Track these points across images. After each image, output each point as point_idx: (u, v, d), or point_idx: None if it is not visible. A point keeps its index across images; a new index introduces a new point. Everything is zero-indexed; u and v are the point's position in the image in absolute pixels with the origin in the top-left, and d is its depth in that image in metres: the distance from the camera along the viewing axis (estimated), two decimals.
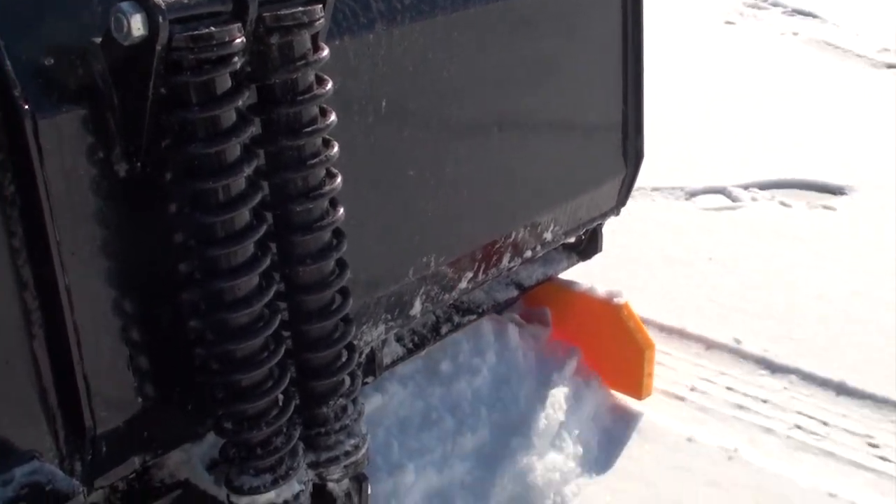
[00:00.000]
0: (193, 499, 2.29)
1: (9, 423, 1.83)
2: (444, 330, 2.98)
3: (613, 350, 3.22)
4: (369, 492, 2.34)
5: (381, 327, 2.58)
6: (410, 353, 2.85)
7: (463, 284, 2.80)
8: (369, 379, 2.67)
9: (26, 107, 1.72)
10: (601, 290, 3.27)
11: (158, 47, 1.74)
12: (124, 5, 1.71)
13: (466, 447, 2.75)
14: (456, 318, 3.03)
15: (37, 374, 1.86)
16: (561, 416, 2.88)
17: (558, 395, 2.97)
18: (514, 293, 3.21)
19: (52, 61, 1.78)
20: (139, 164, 1.89)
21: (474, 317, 3.07)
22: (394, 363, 2.80)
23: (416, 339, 2.90)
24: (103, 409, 1.95)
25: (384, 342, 2.74)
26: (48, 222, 1.79)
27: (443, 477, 2.64)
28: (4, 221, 1.76)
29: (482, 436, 2.78)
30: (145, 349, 2.01)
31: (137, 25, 1.71)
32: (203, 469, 2.33)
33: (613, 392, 3.24)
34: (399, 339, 2.87)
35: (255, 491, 2.06)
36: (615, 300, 3.22)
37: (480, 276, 2.87)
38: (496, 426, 2.81)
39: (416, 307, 2.66)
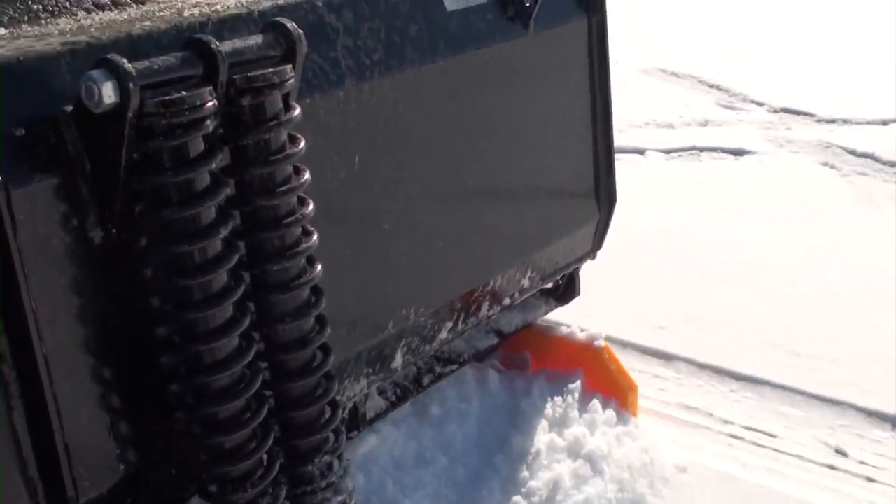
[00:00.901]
0: None
1: None
2: (426, 381, 2.97)
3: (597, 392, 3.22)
4: None
5: (363, 381, 2.57)
6: (393, 405, 2.85)
7: (443, 335, 2.80)
8: (353, 434, 2.66)
9: None
10: (580, 333, 3.28)
11: (130, 114, 1.74)
12: (95, 73, 1.72)
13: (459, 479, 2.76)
14: (437, 369, 3.02)
15: (16, 446, 1.84)
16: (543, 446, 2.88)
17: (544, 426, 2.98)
18: (494, 341, 3.22)
19: (23, 131, 1.78)
20: (114, 230, 1.89)
21: (455, 366, 3.06)
22: (377, 417, 2.79)
23: (398, 391, 2.89)
24: (86, 479, 1.93)
25: (367, 396, 2.73)
26: (24, 292, 1.78)
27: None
28: None
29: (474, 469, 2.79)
30: (126, 415, 2.00)
31: (108, 93, 1.72)
32: None
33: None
34: (381, 392, 2.87)
35: None
36: (595, 343, 3.23)
37: (460, 326, 2.87)
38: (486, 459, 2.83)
39: (398, 360, 2.66)
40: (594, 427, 2.97)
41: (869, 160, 5.64)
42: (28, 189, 1.77)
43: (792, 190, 5.04)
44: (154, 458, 2.08)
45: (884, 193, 5.23)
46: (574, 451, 2.86)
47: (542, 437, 2.88)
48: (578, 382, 3.12)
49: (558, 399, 3.06)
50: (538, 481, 2.74)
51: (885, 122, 6.23)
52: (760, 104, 6.67)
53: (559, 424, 2.97)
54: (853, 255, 4.52)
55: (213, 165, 1.87)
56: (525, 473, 2.76)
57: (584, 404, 3.07)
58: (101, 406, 1.95)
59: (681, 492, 2.86)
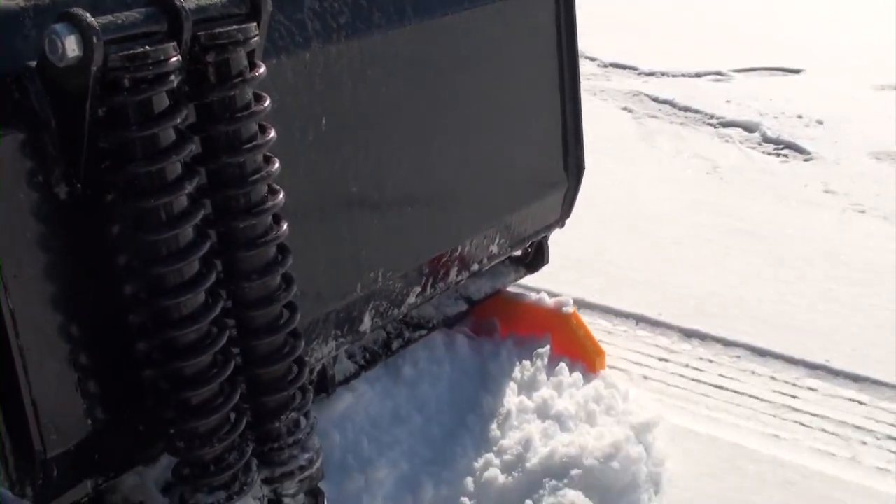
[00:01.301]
0: None
1: None
2: (395, 346, 3.00)
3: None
4: None
5: (332, 343, 2.59)
6: (362, 369, 2.87)
7: (412, 299, 2.83)
8: (322, 395, 2.68)
9: None
10: (549, 299, 3.31)
11: (94, 68, 1.75)
12: (58, 27, 1.73)
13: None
14: (406, 334, 3.05)
15: None
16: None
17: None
18: (464, 307, 3.24)
19: None
20: (79, 185, 1.90)
21: (424, 332, 3.09)
22: (346, 380, 2.81)
23: (367, 355, 2.92)
24: (53, 433, 1.95)
25: (335, 359, 2.76)
26: None
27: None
28: None
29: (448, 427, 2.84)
30: (93, 371, 2.01)
31: (72, 46, 1.73)
32: (157, 492, 2.32)
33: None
34: (350, 356, 2.89)
35: None
36: (564, 309, 3.26)
37: (429, 291, 2.89)
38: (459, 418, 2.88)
39: (366, 323, 2.68)
40: (561, 389, 3.01)
41: (666, 105, 6.50)
42: None
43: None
44: (121, 415, 2.10)
45: (662, 131, 6.06)
46: (543, 412, 2.90)
47: (513, 399, 2.92)
48: (547, 347, 3.15)
49: (527, 363, 3.09)
50: (509, 440, 2.78)
51: (698, 75, 7.08)
52: (592, 59, 7.47)
53: (528, 387, 3.00)
54: (619, 179, 5.20)
55: (178, 121, 1.88)
56: (497, 433, 2.80)
57: (551, 368, 3.10)
58: (67, 361, 1.96)
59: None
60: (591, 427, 2.87)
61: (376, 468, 2.63)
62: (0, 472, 1.90)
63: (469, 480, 2.69)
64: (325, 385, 2.69)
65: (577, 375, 3.08)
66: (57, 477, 2.00)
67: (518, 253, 3.38)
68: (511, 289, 3.41)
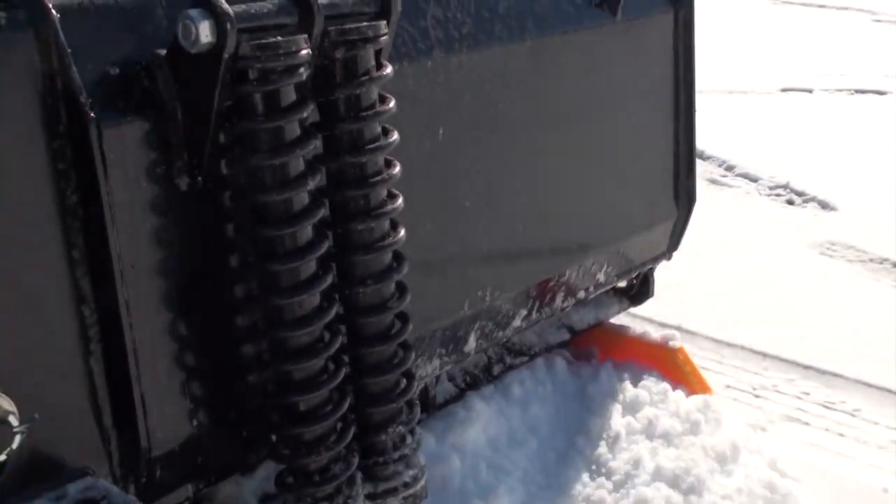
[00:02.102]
0: None
1: (62, 439, 1.77)
2: (496, 370, 2.92)
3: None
4: None
5: (436, 362, 2.52)
6: (462, 392, 2.79)
7: (517, 322, 2.75)
8: (422, 416, 2.60)
9: (92, 114, 1.70)
10: (655, 333, 3.20)
11: (226, 55, 1.72)
12: (193, 12, 1.70)
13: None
14: (508, 360, 2.97)
15: (92, 391, 1.81)
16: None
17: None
18: (566, 336, 3.15)
19: (118, 71, 1.77)
20: (200, 178, 1.87)
21: (526, 358, 3.01)
22: (447, 403, 2.74)
23: (468, 378, 2.84)
24: (159, 431, 1.90)
25: (437, 379, 2.68)
26: (110, 233, 1.76)
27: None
28: (65, 231, 1.74)
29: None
30: (201, 372, 1.96)
31: (206, 32, 1.70)
32: (255, 503, 2.26)
33: None
34: (451, 378, 2.82)
35: None
36: (670, 344, 3.15)
37: (534, 315, 2.81)
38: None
39: (471, 343, 2.60)
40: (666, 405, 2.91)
41: None
42: (119, 129, 1.76)
43: None
44: (225, 419, 2.05)
45: None
46: (649, 432, 2.80)
47: (618, 420, 2.83)
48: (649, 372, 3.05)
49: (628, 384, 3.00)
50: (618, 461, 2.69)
51: None
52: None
53: (632, 408, 2.90)
54: None
55: (305, 115, 1.84)
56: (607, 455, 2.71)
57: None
58: (177, 359, 1.92)
59: None
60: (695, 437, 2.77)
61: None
62: (103, 467, 1.85)
63: None
64: (427, 405, 2.62)
65: (680, 393, 2.97)
66: (160, 477, 1.95)
67: (623, 284, 3.28)
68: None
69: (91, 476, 1.75)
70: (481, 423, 2.64)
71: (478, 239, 2.53)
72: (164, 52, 1.79)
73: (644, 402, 2.91)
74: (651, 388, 2.97)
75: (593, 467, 2.69)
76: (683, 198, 3.25)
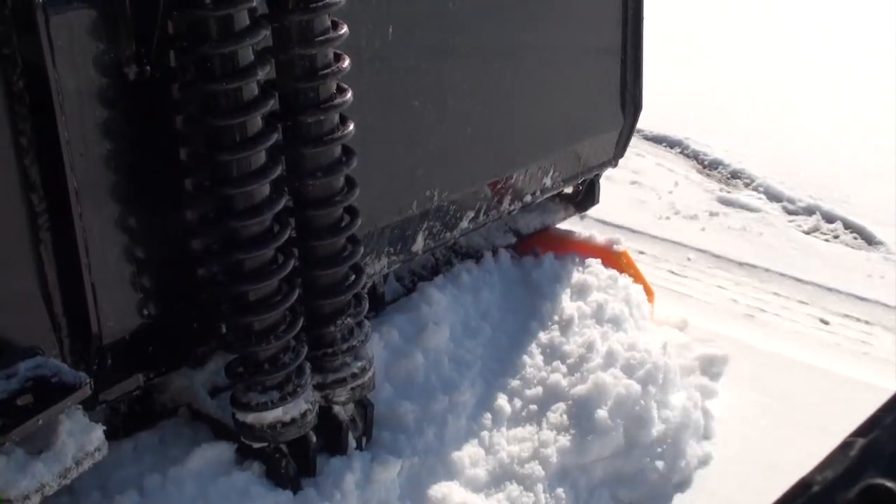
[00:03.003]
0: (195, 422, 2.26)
1: (12, 326, 1.79)
2: (443, 272, 2.95)
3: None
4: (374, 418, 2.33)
5: (385, 260, 2.55)
6: (409, 292, 2.83)
7: (464, 224, 2.78)
8: (371, 313, 2.65)
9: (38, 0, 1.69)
10: (600, 237, 3.26)
11: None
12: None
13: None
14: (454, 262, 3.01)
15: (42, 279, 1.83)
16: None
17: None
18: (512, 240, 3.19)
19: None
20: (149, 68, 1.86)
21: (472, 261, 3.04)
22: (394, 300, 2.78)
23: (415, 279, 2.88)
24: (110, 320, 1.92)
25: (386, 278, 2.72)
26: (59, 121, 1.75)
27: None
28: (12, 118, 1.73)
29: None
30: (151, 263, 1.98)
31: None
32: (206, 395, 2.30)
33: None
34: (399, 279, 2.85)
35: (262, 407, 2.04)
36: (614, 247, 3.20)
37: (481, 217, 2.85)
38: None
39: (419, 243, 2.64)
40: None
41: None
42: (66, 16, 1.75)
43: None
44: (175, 310, 2.07)
45: None
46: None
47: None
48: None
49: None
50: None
51: None
52: None
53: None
54: None
55: (254, 2, 1.83)
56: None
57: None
58: (127, 249, 1.93)
59: None
60: None
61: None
62: (54, 355, 1.87)
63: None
64: (375, 304, 2.65)
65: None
66: (111, 366, 1.98)
67: (569, 190, 3.32)
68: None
69: (41, 355, 1.77)
70: (438, 313, 2.67)
71: (426, 139, 2.55)
72: None
73: (592, 286, 2.98)
74: (598, 275, 3.04)
75: (548, 351, 2.76)
76: (629, 106, 3.28)
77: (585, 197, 3.39)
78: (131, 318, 1.97)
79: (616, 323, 2.88)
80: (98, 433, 1.78)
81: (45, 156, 1.78)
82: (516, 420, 2.61)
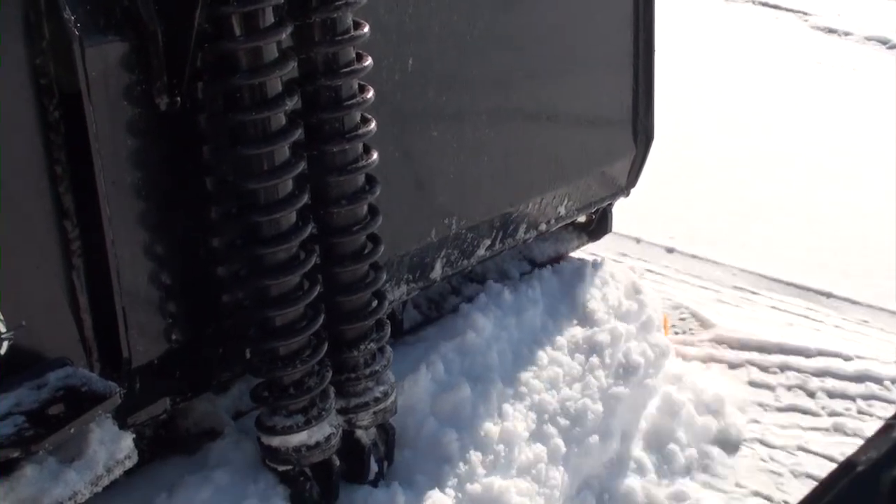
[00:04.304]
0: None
1: (44, 345, 1.83)
2: (458, 300, 2.99)
3: None
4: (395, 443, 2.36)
5: (403, 287, 2.59)
6: (428, 320, 2.87)
7: (481, 251, 2.83)
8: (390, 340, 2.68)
9: (76, 32, 1.74)
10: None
11: None
12: None
13: None
14: (469, 289, 3.04)
15: (75, 305, 1.87)
16: None
17: None
18: (527, 269, 3.23)
19: None
20: (179, 98, 1.91)
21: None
22: (413, 329, 2.81)
23: (432, 306, 2.92)
24: (140, 344, 1.96)
25: (404, 305, 2.76)
26: (93, 150, 1.80)
27: None
28: (48, 147, 1.78)
29: None
30: (180, 288, 2.02)
31: None
32: (229, 419, 2.33)
33: None
34: (416, 307, 2.89)
35: (287, 431, 2.07)
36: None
37: (497, 245, 2.89)
38: None
39: (437, 270, 2.68)
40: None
41: None
42: (101, 48, 1.80)
43: None
44: (202, 335, 2.11)
45: None
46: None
47: None
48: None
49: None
50: None
51: None
52: None
53: None
54: None
55: (283, 36, 1.89)
56: None
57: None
58: (157, 275, 1.98)
59: None
60: None
61: None
62: None
63: None
64: (394, 330, 2.68)
65: None
66: (139, 389, 2.01)
67: (583, 219, 3.37)
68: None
69: (70, 366, 1.80)
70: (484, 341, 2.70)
71: (444, 168, 2.59)
72: None
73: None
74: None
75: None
76: (642, 136, 3.33)
77: (598, 226, 3.44)
78: (160, 343, 2.01)
79: None
80: (128, 441, 1.82)
81: (79, 184, 1.83)
82: (568, 456, 2.60)
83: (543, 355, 2.77)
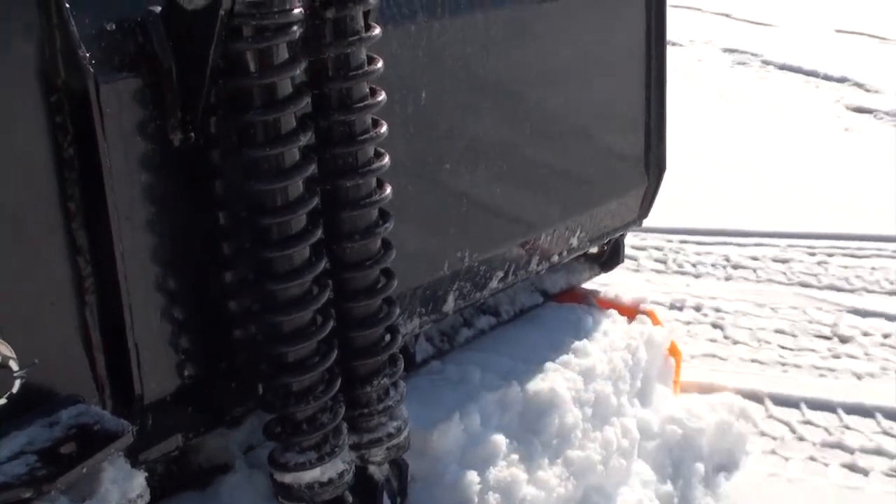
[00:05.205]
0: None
1: (56, 382, 1.82)
2: (471, 333, 2.98)
3: None
4: (409, 479, 2.34)
5: (416, 321, 2.58)
6: (440, 352, 2.86)
7: (494, 284, 2.82)
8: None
9: (90, 69, 1.74)
10: (626, 297, 3.29)
11: (222, 12, 1.77)
12: None
13: None
14: (482, 321, 3.03)
15: (87, 341, 1.86)
16: None
17: None
18: (539, 300, 3.23)
19: (114, 27, 1.81)
20: (193, 134, 1.91)
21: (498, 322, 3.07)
22: (425, 361, 2.80)
23: (445, 339, 2.91)
24: (152, 380, 1.95)
25: (417, 338, 2.75)
26: (107, 186, 1.80)
27: None
28: (62, 184, 1.78)
29: None
30: (192, 324, 2.01)
31: None
32: (241, 454, 2.32)
33: None
34: (429, 339, 2.88)
35: (300, 467, 2.06)
36: (641, 307, 3.23)
37: (510, 278, 2.88)
38: None
39: (450, 303, 2.67)
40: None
41: None
42: (116, 85, 1.80)
43: None
44: (214, 370, 2.10)
45: None
46: None
47: None
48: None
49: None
50: None
51: None
52: None
53: None
54: None
55: (298, 72, 1.89)
56: None
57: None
58: (170, 311, 1.97)
59: None
60: None
61: None
62: None
63: None
64: (406, 364, 2.67)
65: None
66: (152, 426, 2.00)
67: (595, 250, 3.36)
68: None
69: (83, 403, 1.79)
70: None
71: (457, 201, 2.59)
72: (158, 8, 1.83)
73: None
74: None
75: None
76: (654, 166, 3.33)
77: (610, 257, 3.43)
78: (173, 379, 2.00)
79: None
80: (140, 480, 1.81)
81: (93, 220, 1.82)
82: None
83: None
